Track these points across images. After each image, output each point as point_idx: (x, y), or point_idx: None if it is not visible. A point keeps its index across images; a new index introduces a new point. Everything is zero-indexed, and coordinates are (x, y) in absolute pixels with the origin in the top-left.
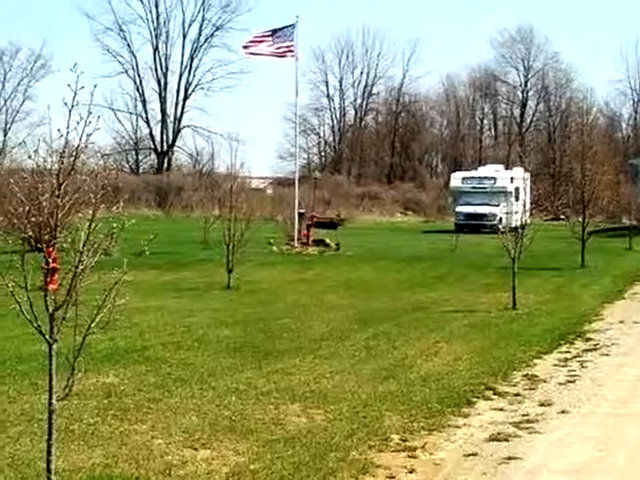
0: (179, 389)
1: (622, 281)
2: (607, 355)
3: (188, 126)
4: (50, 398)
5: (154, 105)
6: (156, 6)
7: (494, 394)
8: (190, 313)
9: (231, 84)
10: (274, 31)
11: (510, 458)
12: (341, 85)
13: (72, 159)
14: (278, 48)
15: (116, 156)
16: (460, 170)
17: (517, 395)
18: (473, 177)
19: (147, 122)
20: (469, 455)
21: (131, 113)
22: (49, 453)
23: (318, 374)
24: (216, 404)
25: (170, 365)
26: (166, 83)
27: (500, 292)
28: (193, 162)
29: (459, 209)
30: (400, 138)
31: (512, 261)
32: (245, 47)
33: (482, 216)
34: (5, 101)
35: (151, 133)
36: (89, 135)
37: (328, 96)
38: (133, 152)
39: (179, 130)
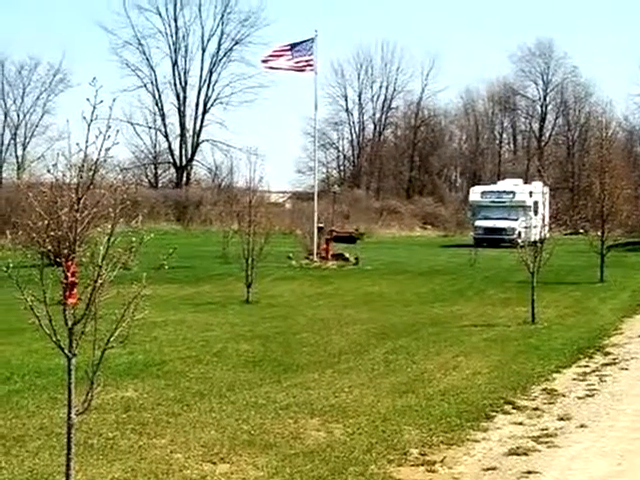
0: (198, 403)
1: None
2: (626, 369)
3: (207, 140)
4: (69, 412)
5: (173, 119)
6: (175, 20)
7: (513, 408)
8: (209, 327)
9: (250, 98)
10: (293, 45)
11: (529, 472)
12: (360, 99)
13: (91, 173)
14: (297, 62)
15: (135, 170)
16: (479, 184)
17: (536, 409)
18: (492, 191)
19: (166, 136)
20: (488, 469)
21: (150, 127)
22: (68, 467)
23: (337, 388)
24: (235, 418)
25: (189, 379)
26: (185, 97)
27: (519, 306)
28: (212, 176)
29: (478, 223)
30: (419, 152)
31: (531, 275)
32: (264, 61)
33: (501, 230)
34: (24, 115)
35: (170, 147)
36: (108, 149)
37: (347, 110)
38: (152, 166)
39: (198, 144)
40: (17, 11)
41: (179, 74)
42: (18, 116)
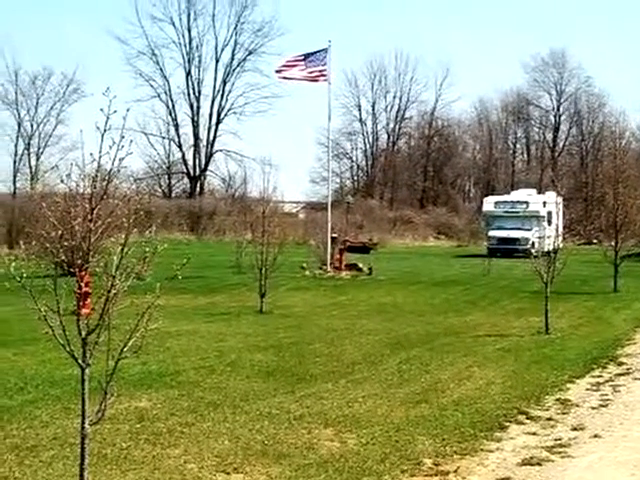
0: (212, 413)
1: None
2: None
3: (220, 150)
4: (83, 422)
5: (187, 129)
6: (189, 30)
7: (527, 418)
8: (222, 337)
9: (264, 108)
10: (307, 55)
11: None
12: (374, 109)
13: (105, 183)
14: (311, 72)
15: (149, 180)
16: (493, 194)
17: (550, 419)
18: (506, 201)
19: (180, 146)
20: (502, 479)
21: (164, 137)
22: (82, 477)
23: (351, 398)
24: (249, 428)
25: (203, 389)
26: (199, 107)
27: (533, 316)
28: (226, 186)
29: (492, 233)
30: (433, 162)
31: (545, 285)
32: (278, 71)
33: (515, 240)
34: (38, 125)
35: (184, 157)
36: (121, 159)
37: (361, 120)
38: (166, 176)
39: (211, 154)
40: (30, 21)
41: (193, 84)
42: (32, 126)
